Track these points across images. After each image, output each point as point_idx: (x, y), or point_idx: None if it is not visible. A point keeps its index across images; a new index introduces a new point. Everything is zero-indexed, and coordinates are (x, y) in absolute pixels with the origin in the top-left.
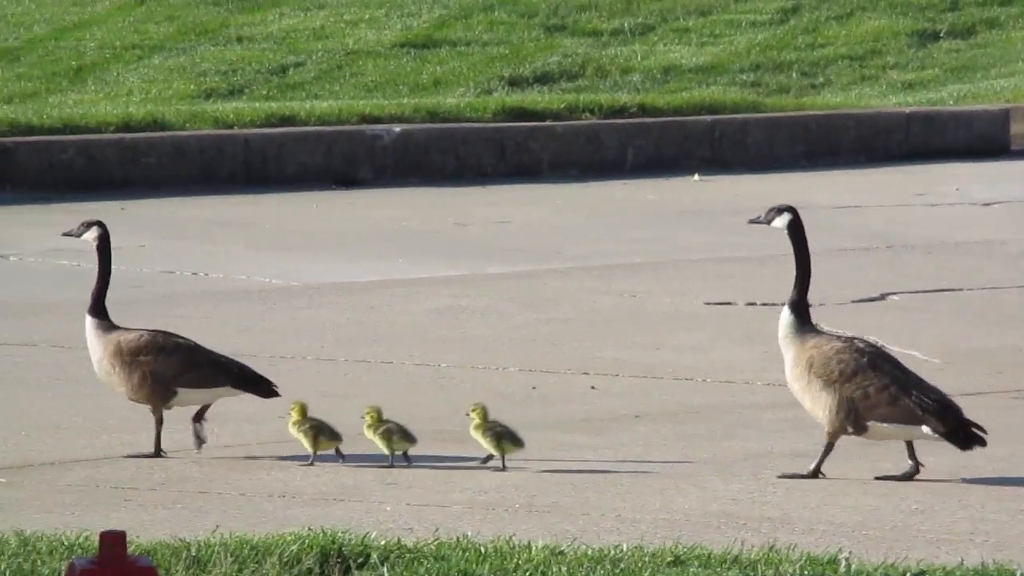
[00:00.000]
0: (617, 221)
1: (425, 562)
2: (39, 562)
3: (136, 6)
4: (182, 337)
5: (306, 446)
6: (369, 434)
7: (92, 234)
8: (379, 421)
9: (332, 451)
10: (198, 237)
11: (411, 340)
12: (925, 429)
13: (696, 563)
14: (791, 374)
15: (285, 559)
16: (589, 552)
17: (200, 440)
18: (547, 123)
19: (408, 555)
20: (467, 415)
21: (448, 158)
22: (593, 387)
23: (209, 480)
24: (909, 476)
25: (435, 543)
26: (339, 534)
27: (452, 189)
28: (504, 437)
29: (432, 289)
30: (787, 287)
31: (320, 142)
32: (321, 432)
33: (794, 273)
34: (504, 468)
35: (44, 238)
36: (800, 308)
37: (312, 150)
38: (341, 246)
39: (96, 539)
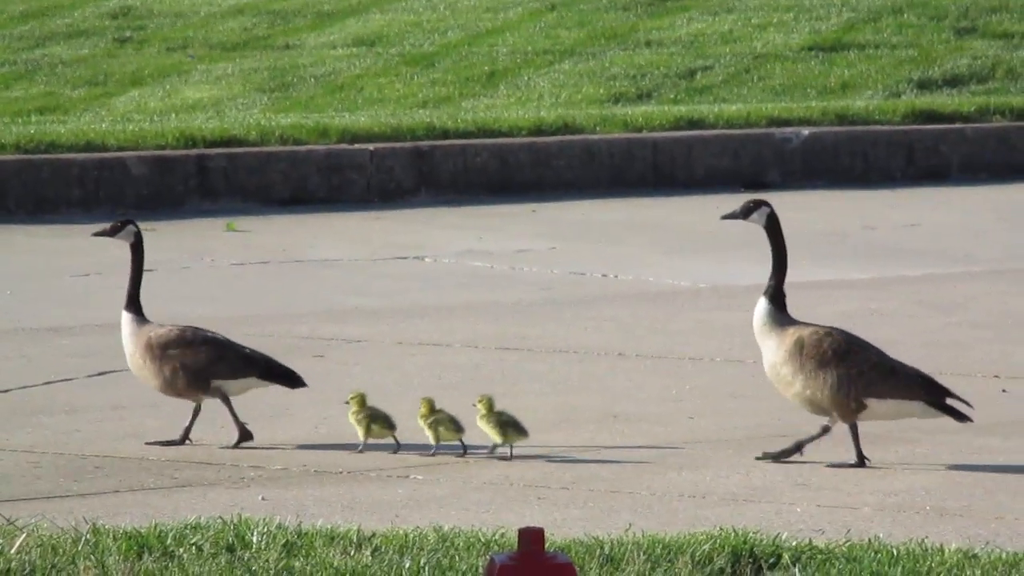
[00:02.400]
0: None
1: (837, 563)
2: (457, 557)
3: (547, 12)
4: (210, 332)
5: (360, 435)
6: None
7: (129, 232)
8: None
9: (388, 439)
10: (607, 239)
11: None
12: (918, 404)
13: None
14: (777, 358)
15: (697, 558)
16: (1003, 556)
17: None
18: (957, 125)
19: (820, 556)
20: (473, 405)
21: (856, 161)
22: (1004, 390)
23: (619, 479)
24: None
25: (846, 544)
26: (750, 534)
27: (859, 192)
28: (509, 426)
29: (840, 292)
30: None
31: (728, 145)
32: (375, 420)
33: None
34: (511, 456)
35: (458, 240)
36: (778, 298)
37: (720, 153)
38: (749, 248)
39: (513, 535)
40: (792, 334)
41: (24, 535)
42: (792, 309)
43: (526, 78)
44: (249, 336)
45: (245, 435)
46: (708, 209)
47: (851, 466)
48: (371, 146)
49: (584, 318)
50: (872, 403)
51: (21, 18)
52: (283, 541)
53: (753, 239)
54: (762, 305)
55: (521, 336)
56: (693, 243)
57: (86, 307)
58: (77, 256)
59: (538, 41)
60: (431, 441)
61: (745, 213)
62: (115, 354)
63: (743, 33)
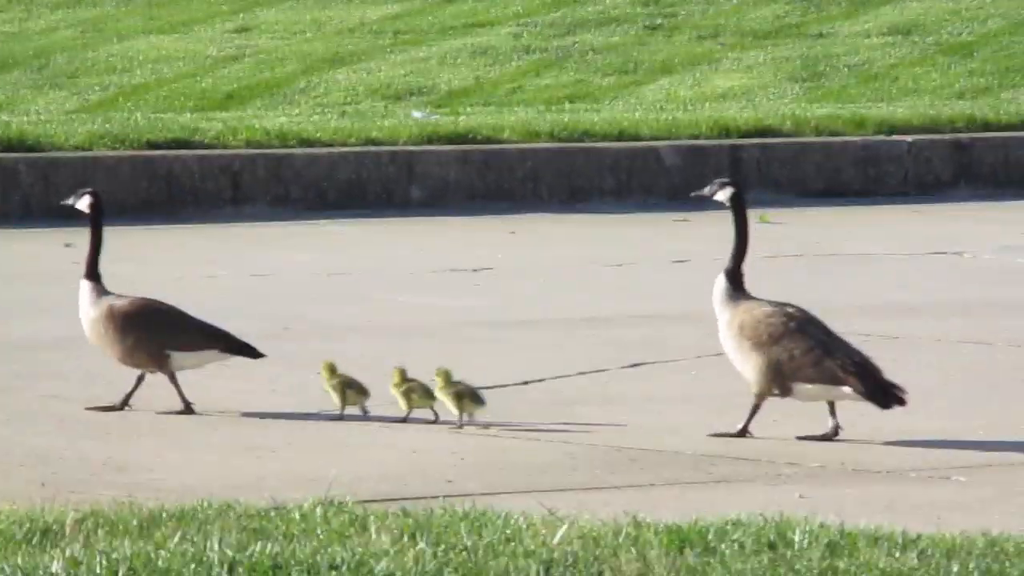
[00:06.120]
0: None
1: None
2: (1008, 563)
3: None
4: (168, 305)
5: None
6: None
7: (85, 202)
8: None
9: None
10: None
11: None
12: (846, 389)
13: None
14: (724, 335)
15: None
16: None
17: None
18: None
19: None
20: (432, 380)
21: None
22: None
23: None
24: (828, 437)
25: None
26: None
27: None
28: (465, 396)
29: None
30: None
31: None
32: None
33: None
34: (461, 426)
35: (999, 236)
36: (735, 276)
37: None
38: None
39: None
40: (741, 313)
41: (565, 526)
42: None
43: None
44: None
45: (188, 411)
46: None
47: (733, 435)
48: (908, 138)
49: None
50: (798, 387)
51: (553, 4)
52: (826, 541)
53: None
54: (719, 283)
55: None
56: None
57: (619, 298)
58: (609, 246)
59: None
60: (403, 409)
61: (711, 193)
62: (649, 346)
63: None
